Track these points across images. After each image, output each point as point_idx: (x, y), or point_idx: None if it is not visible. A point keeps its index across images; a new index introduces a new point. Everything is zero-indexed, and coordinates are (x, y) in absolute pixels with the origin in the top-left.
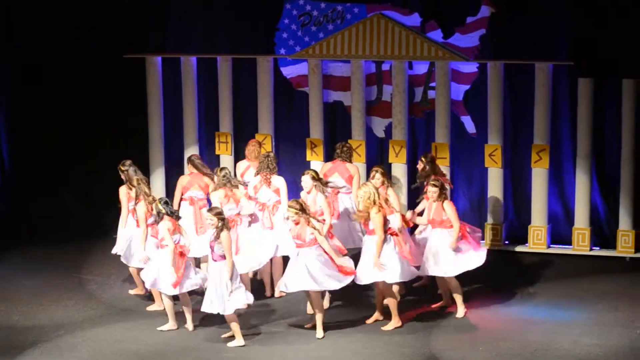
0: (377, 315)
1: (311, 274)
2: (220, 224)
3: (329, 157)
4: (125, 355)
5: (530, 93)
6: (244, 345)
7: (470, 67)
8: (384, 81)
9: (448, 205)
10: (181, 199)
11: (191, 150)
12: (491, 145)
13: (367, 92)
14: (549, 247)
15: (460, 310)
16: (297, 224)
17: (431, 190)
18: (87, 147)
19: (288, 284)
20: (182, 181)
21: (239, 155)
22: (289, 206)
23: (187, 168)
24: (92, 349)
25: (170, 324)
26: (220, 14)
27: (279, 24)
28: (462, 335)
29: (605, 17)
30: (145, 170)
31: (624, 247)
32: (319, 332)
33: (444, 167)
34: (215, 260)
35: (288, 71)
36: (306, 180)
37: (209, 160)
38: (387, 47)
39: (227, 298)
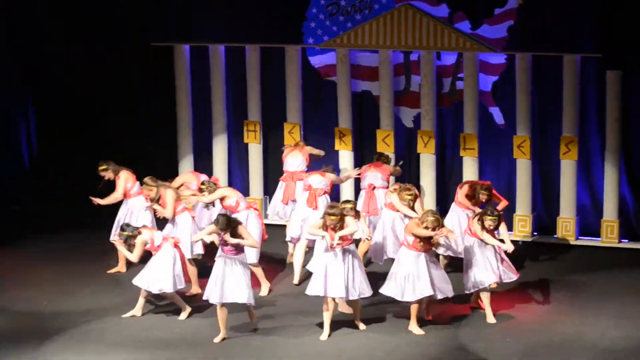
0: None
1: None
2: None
3: (357, 146)
4: (153, 342)
5: (558, 85)
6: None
7: (498, 59)
8: (412, 71)
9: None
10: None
11: (220, 138)
12: (520, 137)
13: (395, 82)
14: (577, 239)
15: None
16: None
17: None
18: (114, 137)
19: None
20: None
21: (267, 144)
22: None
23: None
24: (120, 335)
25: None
26: (249, 3)
27: (307, 14)
28: (490, 326)
29: (633, 10)
30: (174, 158)
31: None
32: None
33: (472, 158)
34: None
35: (316, 60)
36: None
37: (237, 148)
38: (415, 37)
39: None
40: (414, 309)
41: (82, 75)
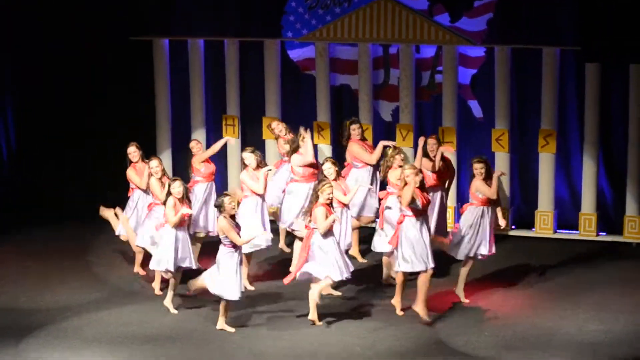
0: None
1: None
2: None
3: (335, 140)
4: (131, 338)
5: (538, 78)
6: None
7: (477, 52)
8: (391, 65)
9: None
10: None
11: (199, 132)
12: (498, 130)
13: (374, 76)
14: (555, 232)
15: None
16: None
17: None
18: (93, 130)
19: None
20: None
21: (245, 138)
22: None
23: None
24: (98, 331)
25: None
26: None
27: (286, 7)
28: (468, 320)
29: (613, 2)
30: (152, 152)
31: (630, 233)
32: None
33: (450, 152)
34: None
35: (295, 54)
36: (328, 167)
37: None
38: (394, 30)
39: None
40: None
41: (60, 69)
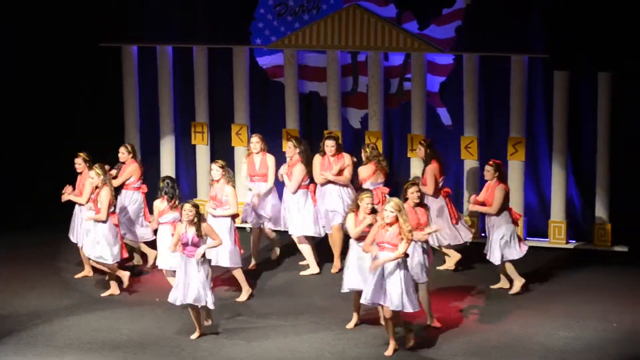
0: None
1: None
2: (196, 217)
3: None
4: (102, 345)
5: (506, 85)
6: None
7: (446, 59)
8: (360, 72)
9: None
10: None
11: (167, 139)
12: (467, 138)
13: (342, 83)
14: (525, 239)
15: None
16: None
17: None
18: (62, 137)
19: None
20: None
21: (214, 145)
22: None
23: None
24: (68, 338)
25: None
26: (197, 3)
27: (255, 14)
28: (438, 328)
29: (582, 11)
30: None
31: (600, 241)
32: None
33: (416, 159)
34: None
35: (264, 61)
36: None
37: (185, 150)
38: (362, 37)
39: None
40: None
41: (29, 75)
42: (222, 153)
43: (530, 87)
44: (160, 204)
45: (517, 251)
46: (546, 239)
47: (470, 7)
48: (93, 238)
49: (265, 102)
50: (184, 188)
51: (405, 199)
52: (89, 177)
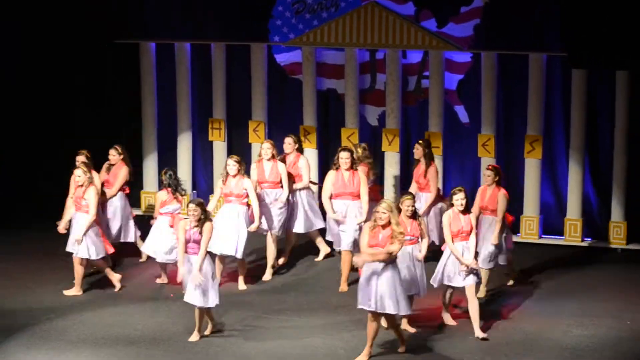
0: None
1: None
2: (203, 215)
3: (321, 144)
4: (115, 340)
5: (524, 84)
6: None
7: (464, 57)
8: (378, 70)
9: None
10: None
11: (185, 136)
12: (484, 135)
13: (360, 81)
14: (540, 237)
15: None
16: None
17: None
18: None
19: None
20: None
21: (232, 141)
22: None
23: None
24: (82, 333)
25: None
26: (215, 1)
27: (273, 12)
28: (453, 325)
29: (600, 9)
30: (138, 156)
31: (615, 239)
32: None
33: (437, 156)
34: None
35: (282, 58)
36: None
37: (202, 146)
38: (381, 35)
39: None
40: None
41: (48, 72)
42: (239, 149)
43: (548, 85)
44: (163, 195)
45: (504, 257)
46: (562, 237)
47: (488, 6)
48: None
49: (282, 99)
50: (201, 184)
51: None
52: (76, 176)
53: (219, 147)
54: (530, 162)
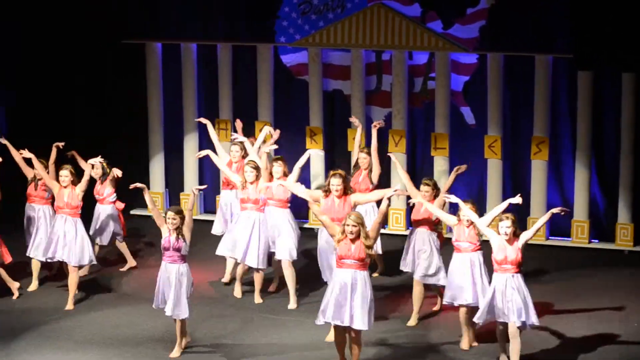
0: None
1: None
2: (181, 223)
3: (328, 145)
4: (123, 341)
5: (530, 85)
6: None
7: (470, 58)
8: (384, 71)
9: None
10: None
11: (191, 136)
12: (491, 137)
13: (366, 82)
14: (547, 239)
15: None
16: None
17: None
18: (85, 133)
19: None
20: None
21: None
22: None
23: None
24: (89, 333)
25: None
26: (222, 1)
27: (279, 12)
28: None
29: (606, 10)
30: (145, 156)
31: (622, 240)
32: None
33: (443, 157)
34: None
35: (288, 59)
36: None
37: (208, 146)
38: (387, 36)
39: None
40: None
41: (53, 72)
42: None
43: (554, 86)
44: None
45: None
46: (569, 238)
47: (494, 7)
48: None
49: (289, 100)
50: (208, 184)
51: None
52: (62, 177)
53: (226, 147)
54: (537, 163)
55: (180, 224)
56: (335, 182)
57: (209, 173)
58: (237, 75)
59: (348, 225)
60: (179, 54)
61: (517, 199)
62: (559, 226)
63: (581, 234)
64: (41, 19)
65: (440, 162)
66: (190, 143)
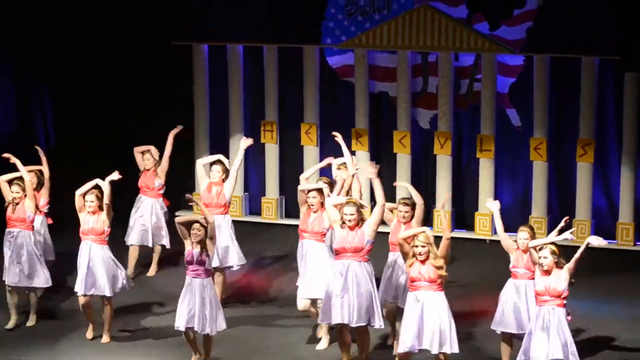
0: None
1: None
2: (205, 235)
3: (373, 147)
4: (168, 342)
5: (576, 87)
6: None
7: (516, 60)
8: (430, 72)
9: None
10: None
11: (237, 138)
12: (536, 139)
13: (412, 84)
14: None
15: None
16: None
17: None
18: (130, 134)
19: None
20: None
21: (283, 144)
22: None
23: None
24: (135, 334)
25: None
26: (267, 2)
27: (326, 13)
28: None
29: None
30: (191, 157)
31: None
32: None
33: (489, 159)
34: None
35: (334, 61)
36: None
37: (254, 147)
38: (433, 38)
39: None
40: None
41: (101, 72)
42: (291, 152)
43: (600, 88)
44: None
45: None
46: (614, 241)
47: (541, 8)
48: None
49: (334, 102)
50: (253, 187)
51: None
52: (87, 203)
53: (271, 149)
54: (582, 165)
55: (204, 236)
56: (349, 212)
57: (252, 177)
58: (282, 76)
59: (417, 246)
60: (225, 56)
61: (568, 235)
62: (604, 228)
63: (626, 236)
64: (90, 18)
65: (485, 164)
66: (236, 146)
